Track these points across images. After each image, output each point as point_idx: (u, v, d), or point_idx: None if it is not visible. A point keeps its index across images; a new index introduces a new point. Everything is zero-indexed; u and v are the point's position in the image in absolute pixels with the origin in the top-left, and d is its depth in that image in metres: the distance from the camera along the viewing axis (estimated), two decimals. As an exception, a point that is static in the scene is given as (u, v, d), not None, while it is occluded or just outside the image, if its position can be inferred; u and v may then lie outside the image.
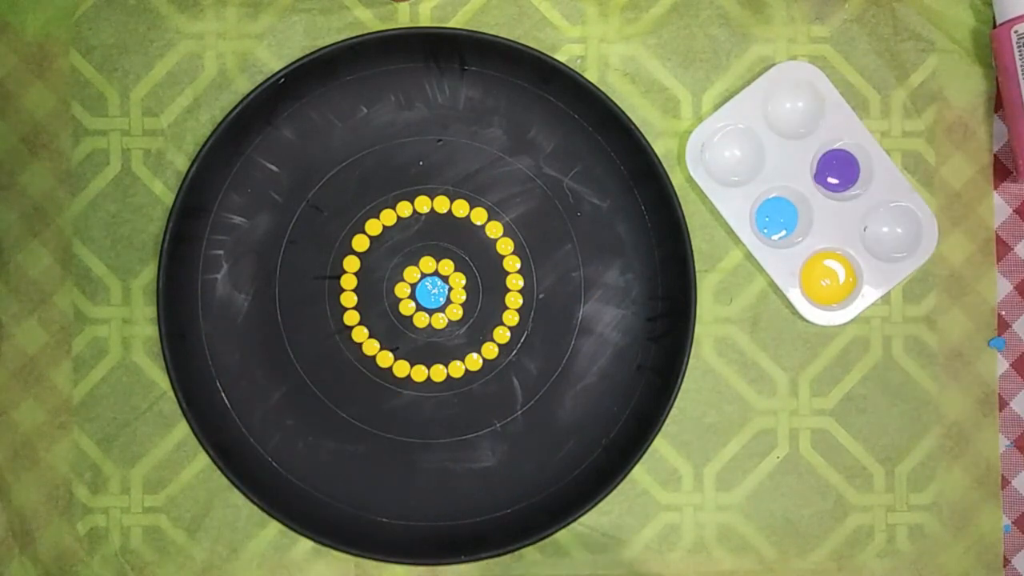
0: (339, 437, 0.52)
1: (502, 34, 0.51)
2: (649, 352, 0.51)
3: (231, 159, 0.51)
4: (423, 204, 0.52)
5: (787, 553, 0.52)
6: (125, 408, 0.52)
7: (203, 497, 0.52)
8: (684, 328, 0.50)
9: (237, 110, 0.50)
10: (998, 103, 0.53)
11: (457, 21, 0.52)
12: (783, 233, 0.52)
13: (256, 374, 0.52)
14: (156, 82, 0.52)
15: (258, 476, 0.51)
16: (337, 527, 0.50)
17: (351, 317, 0.52)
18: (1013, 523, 0.52)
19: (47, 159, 0.52)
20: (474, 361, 0.52)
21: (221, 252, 0.52)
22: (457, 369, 0.52)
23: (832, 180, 0.52)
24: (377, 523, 0.51)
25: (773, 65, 0.52)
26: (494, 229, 0.52)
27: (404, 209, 0.52)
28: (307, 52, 0.51)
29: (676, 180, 0.51)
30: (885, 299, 0.52)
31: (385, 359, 0.52)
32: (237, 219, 0.52)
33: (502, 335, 0.52)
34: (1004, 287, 0.53)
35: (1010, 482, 0.52)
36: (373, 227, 0.52)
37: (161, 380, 0.52)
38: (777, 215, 0.52)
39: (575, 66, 0.52)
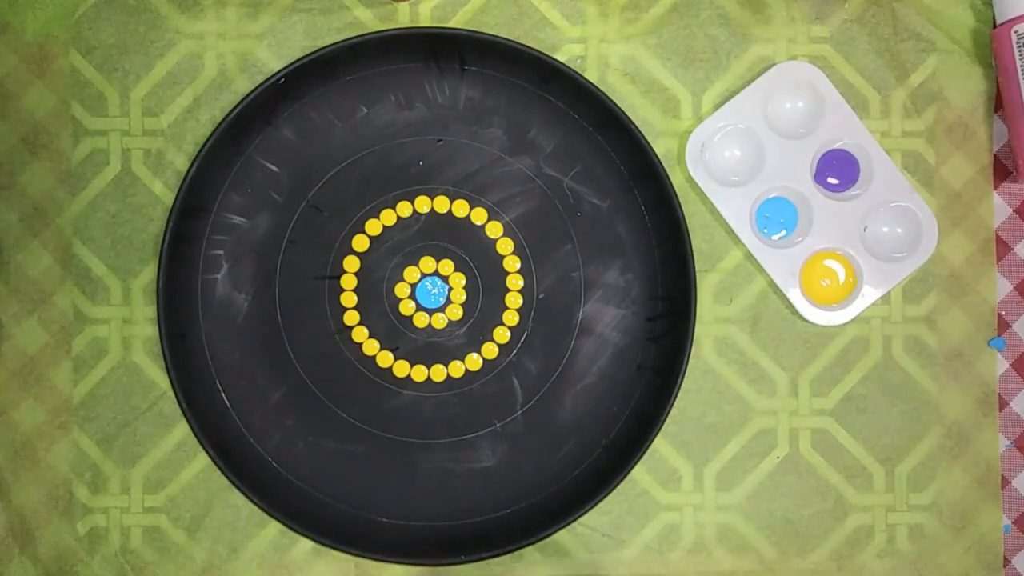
0: (339, 437, 0.52)
1: (502, 34, 0.51)
2: (649, 352, 0.51)
3: (231, 159, 0.51)
4: (423, 204, 0.52)
5: (787, 553, 0.52)
6: (125, 408, 0.52)
7: (203, 497, 0.52)
8: (684, 328, 0.50)
9: (237, 110, 0.50)
10: (998, 103, 0.53)
11: (457, 21, 0.52)
12: (783, 233, 0.52)
13: (256, 374, 0.52)
14: (156, 82, 0.52)
15: (258, 476, 0.50)
16: (337, 527, 0.50)
17: (351, 317, 0.52)
18: (1013, 523, 0.52)
19: (47, 159, 0.52)
20: (474, 361, 0.52)
21: (221, 252, 0.52)
22: (457, 369, 0.52)
23: (832, 180, 0.52)
24: (377, 523, 0.51)
25: (773, 65, 0.52)
26: (494, 229, 0.52)
27: (404, 209, 0.52)
28: (307, 52, 0.51)
29: (676, 180, 0.51)
30: (885, 299, 0.52)
31: (385, 359, 0.52)
32: (237, 219, 0.52)
33: (502, 335, 0.52)
34: (1004, 287, 0.53)
35: (1010, 482, 0.52)
36: (373, 227, 0.52)
37: (161, 380, 0.52)
38: (777, 215, 0.52)
39: (575, 66, 0.52)
